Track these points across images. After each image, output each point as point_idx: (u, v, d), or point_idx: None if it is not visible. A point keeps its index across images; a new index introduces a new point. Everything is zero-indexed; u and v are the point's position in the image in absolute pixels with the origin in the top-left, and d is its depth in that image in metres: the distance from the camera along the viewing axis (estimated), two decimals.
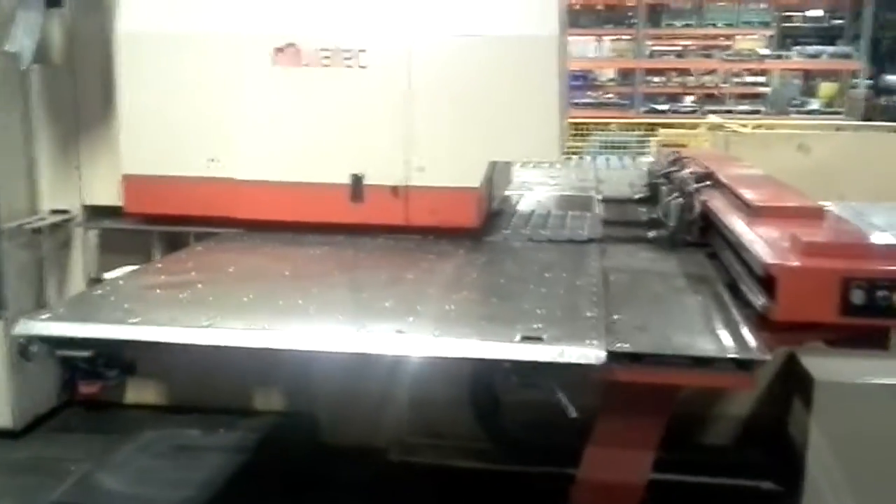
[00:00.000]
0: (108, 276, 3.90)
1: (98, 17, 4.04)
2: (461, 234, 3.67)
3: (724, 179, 3.74)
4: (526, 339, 2.29)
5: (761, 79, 19.03)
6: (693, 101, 17.13)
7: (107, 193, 4.15)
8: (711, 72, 18.83)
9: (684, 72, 18.33)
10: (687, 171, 3.89)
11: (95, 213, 4.26)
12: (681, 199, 3.56)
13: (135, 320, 2.43)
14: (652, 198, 4.52)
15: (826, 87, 18.46)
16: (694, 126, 8.30)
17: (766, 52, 16.43)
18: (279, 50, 3.69)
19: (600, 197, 4.79)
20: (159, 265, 3.18)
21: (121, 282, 2.93)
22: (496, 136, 3.60)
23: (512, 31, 3.54)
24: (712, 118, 8.88)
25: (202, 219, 3.87)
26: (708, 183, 3.66)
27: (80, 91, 4.18)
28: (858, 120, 14.51)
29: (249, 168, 3.78)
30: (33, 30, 3.81)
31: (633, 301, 2.73)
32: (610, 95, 17.53)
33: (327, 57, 3.65)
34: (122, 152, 3.90)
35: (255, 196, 3.78)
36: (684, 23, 19.36)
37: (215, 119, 3.78)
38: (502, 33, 3.55)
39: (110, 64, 3.93)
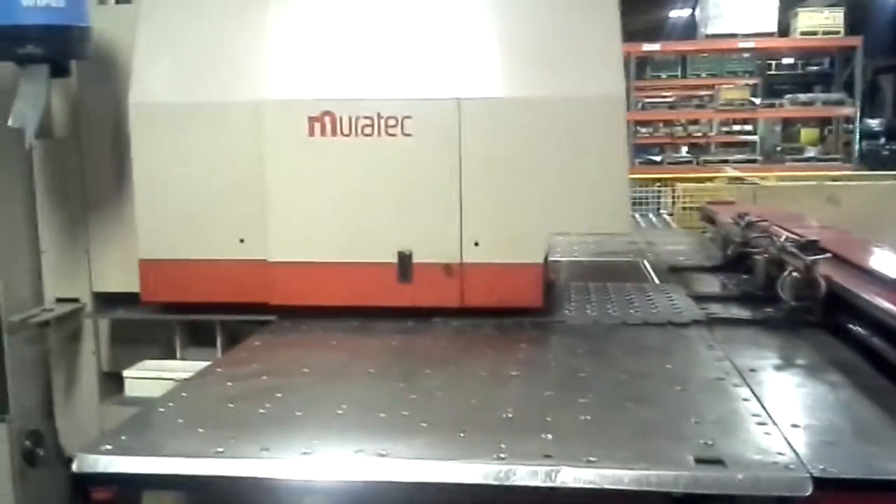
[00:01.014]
0: (127, 373, 3.52)
1: (108, 87, 3.69)
2: (522, 314, 3.30)
3: (836, 248, 3.37)
4: (701, 462, 1.91)
5: (748, 127, 19.19)
6: (687, 152, 17.09)
7: (120, 280, 3.74)
8: (695, 122, 18.93)
9: (669, 122, 18.36)
10: (781, 236, 3.53)
11: (107, 301, 3.84)
12: (796, 274, 3.18)
13: (219, 449, 2.03)
14: (731, 265, 4.19)
15: (807, 133, 18.69)
16: (712, 179, 8.05)
17: (757, 100, 16.41)
18: (314, 119, 3.34)
19: (652, 263, 4.48)
20: (220, 368, 2.76)
21: (184, 394, 2.51)
22: (558, 206, 3.25)
23: (575, 91, 3.22)
24: (730, 171, 8.65)
25: (229, 305, 3.48)
26: (828, 255, 3.25)
27: (88, 167, 3.79)
28: (859, 166, 14.49)
29: (284, 249, 3.40)
30: (38, 103, 3.44)
31: (793, 403, 2.36)
32: None
33: (368, 126, 3.31)
34: (138, 235, 3.51)
35: (291, 279, 3.39)
36: (669, 73, 19.54)
37: (244, 196, 3.41)
38: (564, 94, 3.23)
39: (122, 137, 3.58)
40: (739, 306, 3.51)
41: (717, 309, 3.46)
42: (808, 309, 3.15)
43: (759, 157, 16.30)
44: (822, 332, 3.11)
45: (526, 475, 1.90)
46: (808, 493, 1.82)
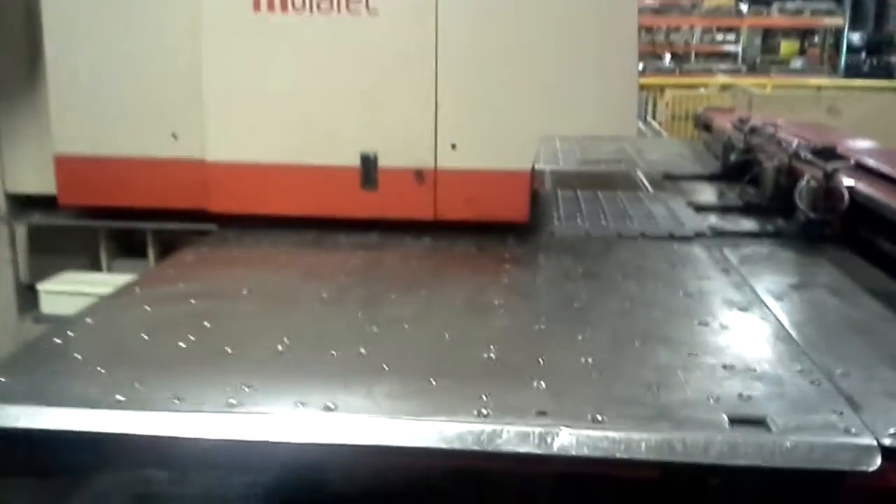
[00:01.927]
0: (42, 287, 3.02)
1: None
2: (505, 229, 2.84)
3: (856, 156, 2.97)
4: (737, 422, 1.50)
5: (731, 37, 18.60)
6: (670, 61, 16.46)
7: (35, 180, 3.21)
8: (676, 29, 18.28)
9: (650, 29, 17.62)
10: (793, 140, 3.11)
11: (25, 204, 3.31)
12: (814, 183, 2.80)
13: (120, 398, 1.57)
14: (731, 174, 3.77)
15: (787, 45, 18.26)
16: (704, 86, 7.53)
17: (745, 7, 15.73)
18: None
19: (644, 173, 4.01)
20: (139, 289, 2.27)
21: (89, 320, 2.03)
22: (552, 104, 2.75)
23: None
24: (721, 78, 8.13)
25: (162, 212, 2.98)
26: (851, 162, 2.87)
27: None
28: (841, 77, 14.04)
29: (224, 146, 2.87)
30: None
31: (836, 342, 1.92)
32: None
33: (326, 0, 2.74)
34: (52, 126, 2.96)
35: (232, 183, 2.88)
36: None
37: (177, 83, 2.86)
38: None
39: (33, 17, 3.00)
40: (746, 218, 3.15)
41: (721, 221, 3.08)
42: (826, 222, 2.79)
43: (743, 68, 15.77)
44: (842, 249, 2.73)
45: (514, 438, 1.47)
46: (874, 468, 1.41)
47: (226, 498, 3.09)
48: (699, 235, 2.88)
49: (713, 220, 3.10)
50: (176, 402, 1.57)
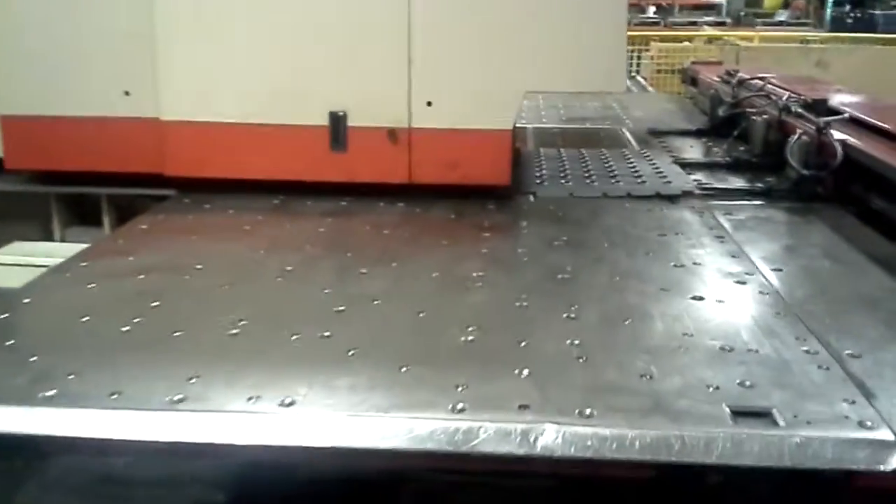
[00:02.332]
0: None
1: None
2: (485, 193, 2.67)
3: (850, 109, 2.83)
4: (740, 414, 1.35)
5: None
6: (654, 13, 16.14)
7: None
8: None
9: None
10: (783, 95, 2.96)
11: None
12: (806, 138, 2.66)
13: (50, 393, 1.39)
14: (719, 129, 3.64)
15: None
16: (690, 39, 7.31)
17: None
18: None
19: (630, 130, 3.85)
20: (85, 262, 2.07)
21: (26, 299, 1.84)
22: (536, 58, 2.55)
23: None
24: (708, 30, 7.90)
25: (117, 176, 2.77)
26: (844, 115, 2.73)
27: None
28: (827, 30, 13.82)
29: (180, 105, 2.65)
30: None
31: (843, 320, 1.76)
32: None
33: None
34: None
35: (190, 144, 2.67)
36: None
37: (128, 35, 2.63)
38: None
39: None
40: (734, 175, 3.02)
41: (709, 179, 2.95)
42: (818, 179, 2.66)
43: (728, 20, 15.51)
44: (837, 208, 2.61)
45: (493, 437, 1.31)
46: (893, 468, 1.27)
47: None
48: (686, 194, 2.74)
49: (701, 177, 2.97)
50: (113, 397, 1.39)
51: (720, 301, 1.86)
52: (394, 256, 2.14)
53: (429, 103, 2.60)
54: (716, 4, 17.89)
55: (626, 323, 1.74)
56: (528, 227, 2.44)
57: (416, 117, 2.61)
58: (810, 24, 14.57)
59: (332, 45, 2.57)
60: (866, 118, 2.84)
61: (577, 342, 1.63)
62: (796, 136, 2.73)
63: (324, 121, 2.62)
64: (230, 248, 2.23)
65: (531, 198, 2.76)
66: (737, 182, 2.95)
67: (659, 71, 6.76)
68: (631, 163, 3.16)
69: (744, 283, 1.97)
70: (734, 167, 3.13)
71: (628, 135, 3.85)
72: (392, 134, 2.62)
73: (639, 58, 6.90)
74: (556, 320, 1.75)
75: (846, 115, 2.78)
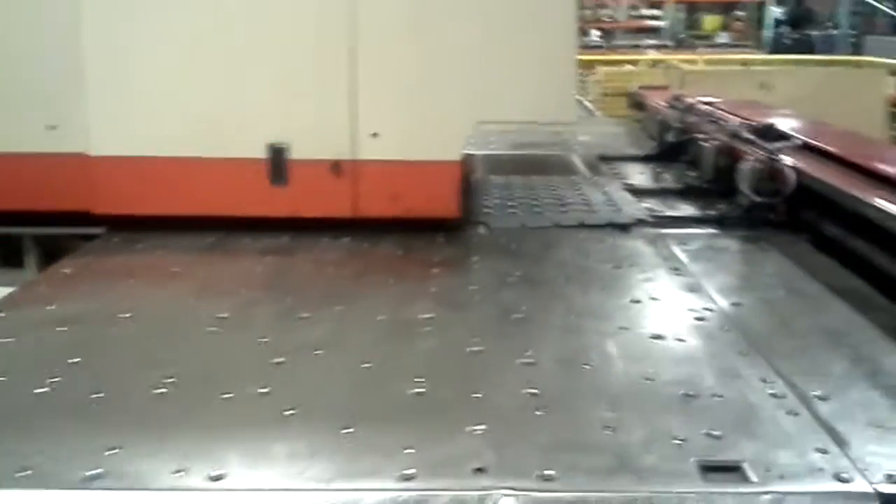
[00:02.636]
0: None
1: None
2: (434, 226, 2.56)
3: (800, 135, 2.84)
4: (710, 469, 1.27)
5: (656, 12, 18.79)
6: (598, 36, 16.37)
7: None
8: (603, 6, 18.33)
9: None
10: (731, 120, 2.96)
11: None
12: (757, 165, 2.63)
13: None
14: (668, 154, 3.64)
15: (710, 20, 18.57)
16: (635, 62, 7.36)
17: None
18: None
19: (580, 155, 3.81)
20: (1, 313, 1.90)
21: None
22: (485, 87, 2.47)
23: None
24: (652, 54, 7.98)
25: (42, 214, 2.59)
26: (797, 141, 2.73)
27: None
28: (765, 52, 14.18)
29: (109, 139, 2.50)
30: None
31: (808, 359, 1.69)
32: None
33: None
34: None
35: (120, 180, 2.52)
36: None
37: (54, 66, 2.47)
38: None
39: None
40: (686, 202, 2.99)
41: (660, 206, 2.92)
42: (771, 206, 2.63)
43: (670, 43, 15.81)
44: (791, 235, 2.57)
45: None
46: None
47: None
48: (640, 222, 2.69)
49: (652, 204, 2.93)
50: (21, 474, 1.24)
51: (680, 340, 1.78)
52: (337, 298, 2.02)
53: (374, 135, 2.49)
54: (656, 28, 18.27)
55: (586, 367, 1.65)
56: (479, 262, 2.34)
57: (360, 149, 2.50)
58: (750, 46, 14.91)
59: (271, 75, 2.45)
60: (817, 144, 2.83)
61: (534, 391, 1.53)
62: (747, 163, 2.70)
63: (263, 154, 2.49)
64: (160, 293, 2.08)
65: (482, 229, 2.67)
66: (688, 209, 2.92)
67: (605, 94, 6.77)
68: (581, 191, 3.10)
69: (703, 319, 1.89)
70: (685, 194, 3.10)
71: (578, 161, 3.80)
72: (336, 167, 2.51)
73: (582, 82, 6.92)
74: (512, 366, 1.65)
75: (797, 141, 2.75)
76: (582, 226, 2.68)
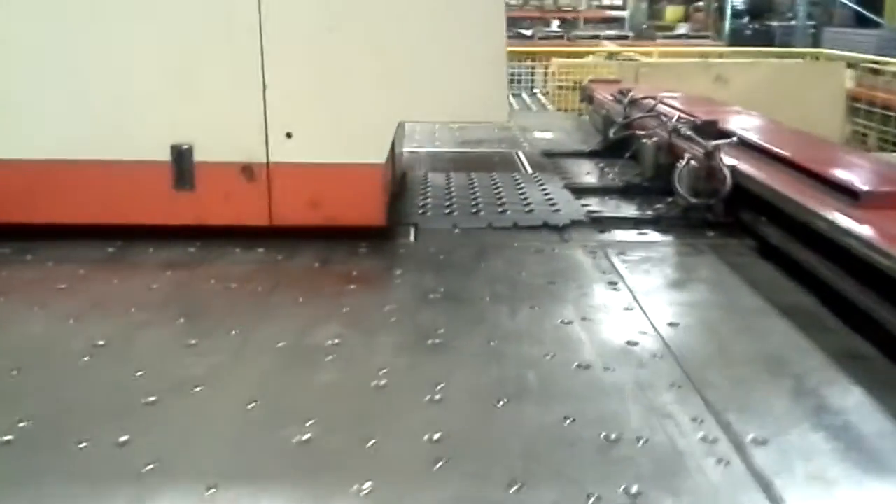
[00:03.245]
0: None
1: None
2: (357, 235, 2.37)
3: (743, 132, 2.74)
4: None
5: (617, 2, 18.74)
6: (559, 26, 16.24)
7: None
8: None
9: None
10: (673, 116, 2.93)
11: None
12: (694, 163, 2.54)
13: None
14: (612, 150, 3.51)
15: (672, 11, 18.56)
16: (590, 54, 7.21)
17: None
18: None
19: (526, 153, 3.67)
20: None
21: None
22: (411, 84, 2.27)
23: None
24: (608, 45, 7.83)
25: None
26: (734, 139, 2.64)
27: None
28: (725, 43, 14.15)
29: None
30: None
31: (744, 387, 1.53)
32: None
33: None
34: None
35: (9, 186, 2.28)
36: None
37: None
38: None
39: None
40: (625, 201, 2.90)
41: (600, 205, 2.83)
42: (708, 207, 2.56)
43: (630, 34, 15.73)
44: (735, 241, 2.45)
45: None
46: None
47: None
48: (575, 223, 2.60)
49: (592, 203, 2.84)
50: None
51: (608, 369, 1.61)
52: (236, 321, 1.81)
53: (288, 135, 2.29)
54: (619, 18, 18.19)
55: (500, 405, 1.47)
56: (402, 276, 2.15)
57: (274, 151, 2.29)
58: (709, 37, 14.87)
59: (173, 69, 2.23)
60: (760, 142, 2.70)
61: (436, 436, 1.34)
62: (684, 162, 2.59)
63: (165, 156, 2.27)
64: (36, 314, 1.85)
65: (411, 236, 2.49)
66: (628, 209, 2.80)
67: (560, 87, 6.62)
68: (521, 189, 2.96)
69: (636, 343, 1.73)
70: (626, 192, 2.99)
71: (523, 158, 3.64)
72: (247, 170, 2.30)
73: (532, 74, 6.75)
74: (417, 405, 1.46)
75: (735, 139, 2.63)
76: (516, 227, 2.56)
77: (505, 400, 1.48)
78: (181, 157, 2.27)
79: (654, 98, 3.38)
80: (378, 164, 2.33)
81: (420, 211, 2.71)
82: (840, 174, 2.18)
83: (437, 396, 1.49)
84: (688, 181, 2.53)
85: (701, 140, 2.60)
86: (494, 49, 2.24)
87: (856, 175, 2.18)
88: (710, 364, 1.64)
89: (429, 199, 2.84)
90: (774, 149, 2.58)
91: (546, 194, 2.89)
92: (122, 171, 2.27)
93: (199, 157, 2.28)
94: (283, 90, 2.25)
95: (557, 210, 2.70)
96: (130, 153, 2.26)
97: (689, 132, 2.74)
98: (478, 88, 2.26)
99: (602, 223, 2.61)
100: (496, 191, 2.94)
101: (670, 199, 2.65)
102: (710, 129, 2.73)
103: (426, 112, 2.36)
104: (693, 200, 2.52)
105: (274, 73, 2.24)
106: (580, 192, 2.96)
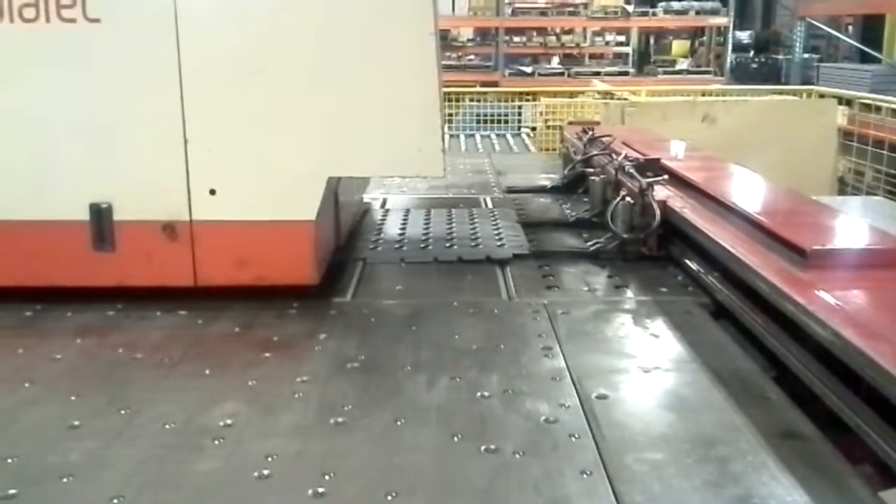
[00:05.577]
0: None
1: None
2: (290, 293, 2.26)
3: (683, 172, 2.89)
4: None
5: (621, 38, 18.73)
6: (559, 63, 16.23)
7: None
8: (569, 31, 18.23)
9: (542, 31, 17.45)
10: (620, 154, 3.05)
11: None
12: (629, 200, 2.66)
13: None
14: (572, 186, 3.67)
15: (678, 45, 18.52)
16: (579, 94, 7.14)
17: (631, 8, 15.61)
18: None
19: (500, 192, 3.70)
20: None
21: None
22: (339, 138, 2.17)
23: None
24: (599, 84, 7.77)
25: None
26: (664, 177, 2.78)
27: None
28: (729, 80, 14.08)
29: None
30: None
31: (659, 468, 1.39)
32: (471, 57, 16.27)
33: (30, 5, 2.08)
34: None
35: None
36: None
37: None
38: None
39: None
40: (571, 235, 3.04)
41: (547, 238, 2.96)
42: (641, 241, 2.66)
43: (632, 70, 15.72)
44: (691, 297, 2.36)
45: None
46: None
47: None
48: (517, 257, 2.69)
49: (540, 238, 2.96)
50: None
51: (517, 453, 1.47)
52: (130, 397, 1.69)
53: (212, 191, 2.19)
54: (623, 54, 18.17)
55: (389, 500, 1.33)
56: (324, 342, 2.03)
57: (197, 208, 2.19)
58: (711, 72, 14.83)
59: (87, 124, 2.14)
60: (688, 178, 2.81)
61: None
62: (619, 198, 2.71)
63: (83, 215, 2.17)
64: None
65: (349, 293, 2.38)
66: (571, 242, 2.92)
67: (549, 126, 6.54)
68: (474, 224, 3.07)
69: (554, 421, 1.59)
70: (574, 226, 3.12)
71: (488, 201, 3.61)
72: (169, 229, 2.20)
73: (520, 113, 6.68)
74: (298, 499, 1.33)
75: (665, 176, 2.77)
76: (460, 260, 2.65)
77: (394, 494, 1.34)
78: (100, 216, 2.17)
79: (610, 135, 3.54)
80: (308, 221, 2.22)
81: (371, 246, 2.79)
82: (789, 234, 2.05)
83: (321, 489, 1.35)
84: (622, 216, 2.63)
85: (638, 177, 2.68)
86: (427, 102, 2.13)
87: (803, 234, 2.06)
88: (630, 446, 1.50)
89: (381, 235, 2.94)
90: (698, 183, 2.71)
91: (496, 229, 2.98)
92: (38, 232, 2.18)
93: (118, 216, 2.18)
94: (205, 145, 2.16)
95: (502, 244, 2.79)
96: (46, 213, 2.17)
97: (631, 170, 2.81)
98: (409, 143, 2.15)
99: (544, 257, 2.69)
100: (448, 226, 3.03)
101: (610, 234, 2.70)
102: (653, 167, 2.83)
103: (357, 167, 2.26)
104: (624, 236, 2.62)
105: (195, 127, 2.15)
106: (531, 226, 3.09)
